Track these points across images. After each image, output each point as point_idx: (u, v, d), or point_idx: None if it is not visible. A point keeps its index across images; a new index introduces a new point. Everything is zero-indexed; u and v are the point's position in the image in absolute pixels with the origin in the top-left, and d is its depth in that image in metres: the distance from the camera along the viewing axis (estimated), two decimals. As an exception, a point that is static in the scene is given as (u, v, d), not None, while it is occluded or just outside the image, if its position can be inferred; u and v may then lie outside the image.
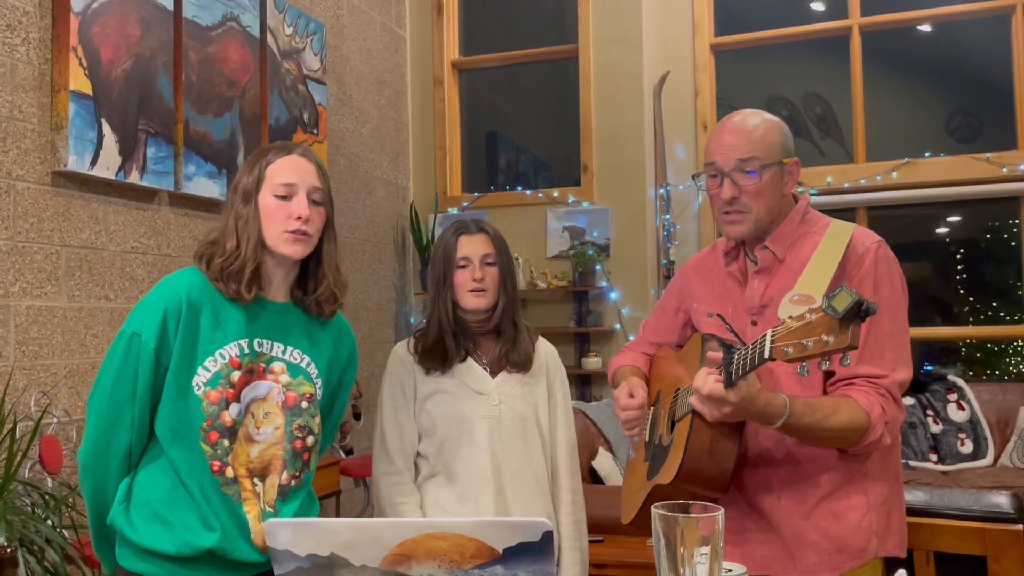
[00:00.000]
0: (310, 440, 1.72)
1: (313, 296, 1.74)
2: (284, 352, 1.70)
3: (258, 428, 1.65)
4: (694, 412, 1.59)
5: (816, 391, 1.66)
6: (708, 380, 1.50)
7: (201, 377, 1.62)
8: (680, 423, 1.69)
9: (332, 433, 1.89)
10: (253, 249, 1.65)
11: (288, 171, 1.67)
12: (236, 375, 1.64)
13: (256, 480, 1.65)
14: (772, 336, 1.38)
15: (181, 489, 1.62)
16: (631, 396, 1.83)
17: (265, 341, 1.68)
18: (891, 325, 1.64)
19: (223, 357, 1.64)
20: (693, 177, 1.87)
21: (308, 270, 1.74)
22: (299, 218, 1.64)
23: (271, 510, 1.66)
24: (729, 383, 1.47)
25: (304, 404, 1.71)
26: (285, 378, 1.69)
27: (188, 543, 1.60)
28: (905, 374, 1.64)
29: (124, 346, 1.62)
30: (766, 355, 1.39)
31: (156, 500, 1.62)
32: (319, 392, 1.75)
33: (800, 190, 1.78)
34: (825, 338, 1.30)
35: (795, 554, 1.67)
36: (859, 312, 1.27)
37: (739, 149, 1.67)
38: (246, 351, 1.66)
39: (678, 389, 1.77)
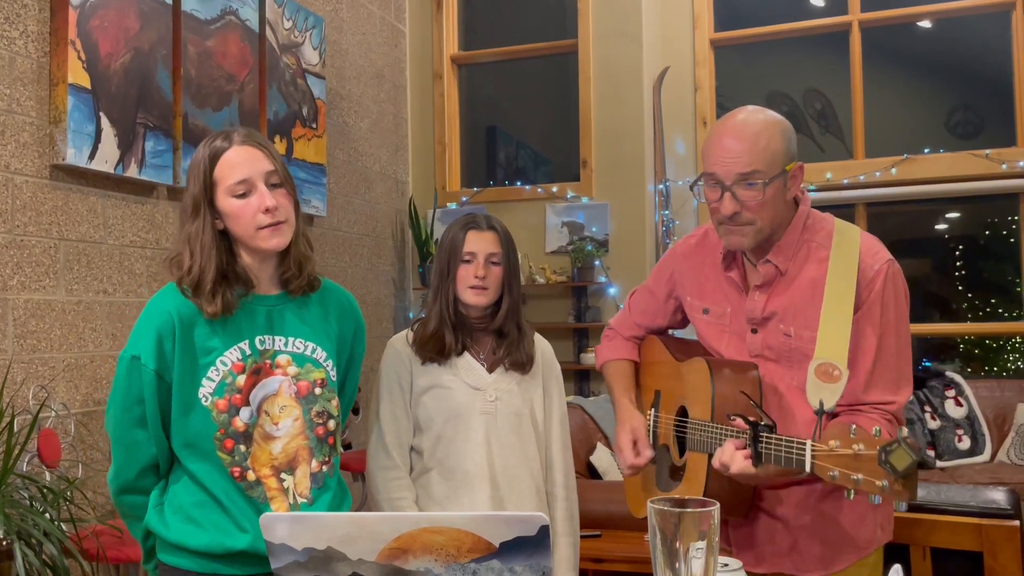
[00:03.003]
0: (331, 424, 1.72)
1: (280, 274, 1.71)
2: (287, 344, 1.70)
3: (276, 424, 1.65)
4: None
5: (823, 421, 1.66)
6: (737, 458, 1.50)
7: (206, 388, 1.62)
8: (694, 455, 1.69)
9: (348, 407, 1.89)
10: (207, 258, 1.62)
11: (237, 166, 1.62)
12: (241, 379, 1.63)
13: (284, 475, 1.65)
14: (812, 451, 1.37)
15: (208, 498, 1.64)
16: (637, 454, 1.79)
17: (267, 337, 1.68)
18: (896, 344, 1.63)
19: (225, 364, 1.63)
20: (691, 187, 1.81)
21: (282, 252, 1.71)
22: (267, 211, 1.61)
23: (306, 501, 1.66)
24: (759, 462, 1.48)
25: (317, 390, 1.70)
26: (293, 369, 1.68)
27: (221, 544, 1.62)
28: (908, 392, 1.65)
29: (126, 370, 1.63)
30: (806, 469, 1.38)
31: (188, 505, 1.65)
32: (332, 374, 1.73)
33: None
34: (880, 483, 1.29)
35: (802, 548, 1.68)
36: (919, 469, 1.27)
37: (741, 162, 1.58)
38: (248, 353, 1.65)
39: (684, 408, 1.76)
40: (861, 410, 1.61)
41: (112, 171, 3.25)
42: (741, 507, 1.67)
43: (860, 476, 1.30)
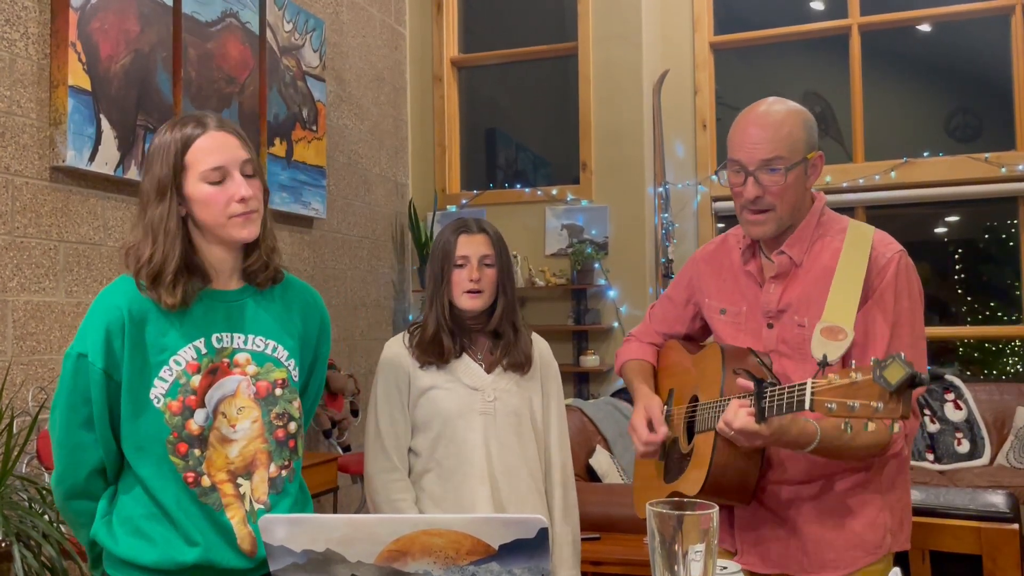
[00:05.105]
0: (292, 426, 1.63)
1: (246, 266, 1.62)
2: (246, 342, 1.60)
3: (233, 426, 1.56)
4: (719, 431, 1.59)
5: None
6: (740, 414, 1.49)
7: (158, 389, 1.53)
8: (701, 435, 1.69)
9: (311, 410, 1.79)
10: (171, 246, 1.52)
11: (213, 152, 1.53)
12: (196, 379, 1.54)
13: (240, 480, 1.56)
14: (812, 387, 1.37)
15: (158, 510, 1.54)
16: (651, 430, 1.79)
17: (224, 335, 1.58)
18: (910, 336, 1.64)
19: (178, 364, 1.54)
20: (715, 173, 1.86)
21: (248, 245, 1.62)
22: (242, 200, 1.53)
23: (263, 507, 1.58)
24: (762, 419, 1.47)
25: (278, 391, 1.61)
26: (252, 368, 1.59)
27: (171, 559, 1.53)
28: (921, 386, 1.64)
29: (72, 369, 1.54)
30: (806, 406, 1.38)
31: (137, 516, 1.56)
32: (293, 374, 1.64)
33: None
34: (874, 404, 1.29)
35: (811, 551, 1.68)
36: (912, 385, 1.26)
37: (763, 148, 1.64)
38: (203, 351, 1.56)
39: (696, 397, 1.77)
40: None
41: (112, 173, 3.25)
42: (745, 489, 1.65)
43: (856, 403, 1.30)
